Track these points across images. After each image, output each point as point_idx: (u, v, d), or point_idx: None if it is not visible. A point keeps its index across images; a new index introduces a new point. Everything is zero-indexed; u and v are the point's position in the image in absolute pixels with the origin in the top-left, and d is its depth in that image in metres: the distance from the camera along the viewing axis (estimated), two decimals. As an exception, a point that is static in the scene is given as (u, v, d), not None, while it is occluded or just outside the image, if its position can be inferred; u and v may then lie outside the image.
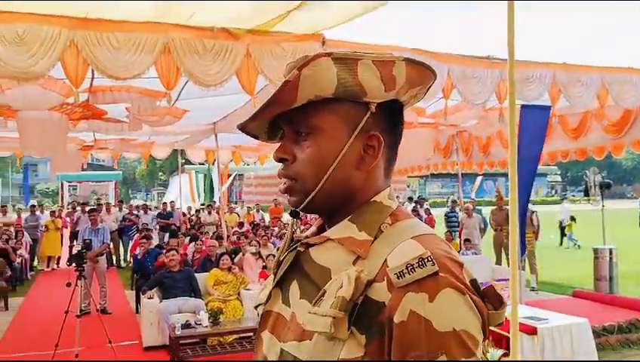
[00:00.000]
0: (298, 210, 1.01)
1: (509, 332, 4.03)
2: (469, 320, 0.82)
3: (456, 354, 0.79)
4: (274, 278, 1.02)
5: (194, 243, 10.64)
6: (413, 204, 17.67)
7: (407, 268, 0.82)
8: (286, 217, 18.02)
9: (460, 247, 11.26)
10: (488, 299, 0.87)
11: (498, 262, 10.96)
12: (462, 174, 13.34)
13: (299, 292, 0.96)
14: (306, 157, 0.96)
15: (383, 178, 1.01)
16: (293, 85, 0.91)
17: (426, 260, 0.82)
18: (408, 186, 30.20)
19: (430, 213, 15.32)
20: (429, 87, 1.03)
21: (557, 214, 19.64)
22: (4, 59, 5.07)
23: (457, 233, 13.55)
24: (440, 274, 0.81)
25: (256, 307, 1.09)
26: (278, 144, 1.03)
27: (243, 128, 1.03)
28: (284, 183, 1.00)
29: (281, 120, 0.99)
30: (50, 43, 5.16)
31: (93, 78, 6.52)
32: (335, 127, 0.95)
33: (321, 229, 1.04)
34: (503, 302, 0.88)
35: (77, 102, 6.01)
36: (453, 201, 15.28)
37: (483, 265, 9.23)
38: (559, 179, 63.11)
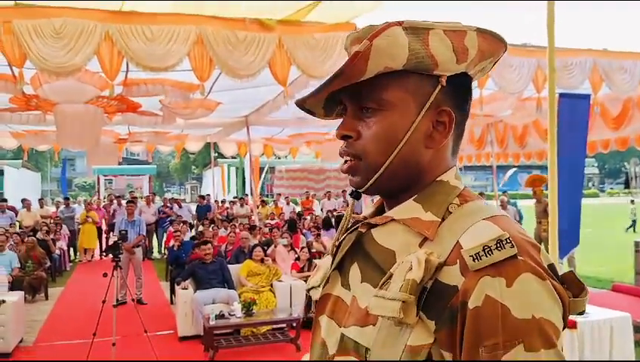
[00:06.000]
0: (361, 190, 0.95)
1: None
2: (550, 308, 0.76)
3: (535, 344, 0.73)
4: (332, 261, 0.98)
5: (224, 230, 10.76)
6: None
7: (483, 249, 0.77)
8: (317, 208, 18.05)
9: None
10: (568, 285, 0.81)
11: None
12: (497, 166, 13.09)
13: (360, 275, 0.91)
14: (373, 134, 0.90)
15: (449, 156, 0.95)
16: (363, 56, 0.84)
17: (504, 242, 0.77)
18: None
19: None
20: (499, 59, 0.97)
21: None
22: (42, 54, 5.17)
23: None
24: (519, 257, 0.76)
25: (307, 290, 1.05)
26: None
27: (301, 104, 0.98)
28: (346, 162, 0.94)
29: (343, 95, 0.93)
30: (86, 36, 5.25)
31: (127, 72, 6.60)
32: (404, 102, 0.89)
33: (380, 210, 0.99)
34: (585, 288, 0.83)
35: (112, 95, 6.09)
36: (481, 194, 15.05)
37: (519, 258, 9.04)
38: (596, 171, 61.60)
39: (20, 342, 6.91)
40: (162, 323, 7.61)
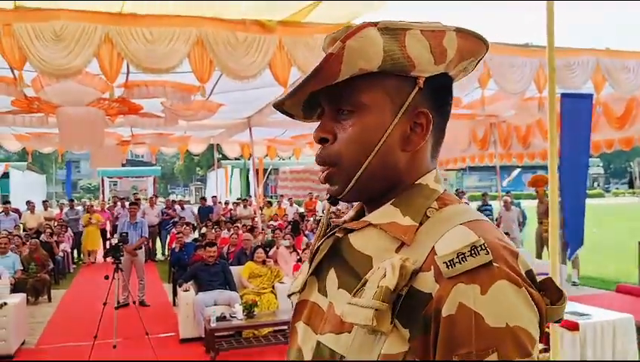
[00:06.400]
0: (339, 198, 0.93)
1: (548, 328, 3.91)
2: (525, 316, 0.74)
3: (509, 353, 0.71)
4: (309, 266, 0.96)
5: (227, 231, 10.78)
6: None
7: (457, 256, 0.75)
8: (321, 209, 18.04)
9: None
10: (546, 292, 0.79)
11: (539, 255, 10.70)
12: (500, 167, 13.02)
13: (337, 281, 0.89)
14: (348, 137, 0.88)
15: (429, 159, 0.93)
16: (337, 58, 0.83)
17: (479, 248, 0.75)
18: (445, 180, 29.72)
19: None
20: (481, 59, 0.96)
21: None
22: (42, 57, 5.17)
23: (492, 226, 13.27)
24: (494, 264, 0.74)
25: (289, 296, 1.03)
26: (313, 135, 0.95)
27: (279, 106, 0.96)
28: (324, 171, 0.93)
29: (321, 96, 0.92)
30: (86, 39, 5.24)
31: (128, 74, 6.60)
32: (380, 104, 0.87)
33: (359, 214, 0.98)
34: (563, 295, 0.80)
35: (112, 97, 6.10)
36: (484, 194, 15.06)
37: (522, 258, 9.00)
38: (602, 171, 61.31)
39: (23, 344, 6.94)
40: (164, 325, 7.62)
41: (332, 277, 0.90)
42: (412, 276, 0.78)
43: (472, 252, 0.74)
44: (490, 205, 14.27)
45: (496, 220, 12.96)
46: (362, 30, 0.83)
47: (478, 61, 0.96)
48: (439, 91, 0.91)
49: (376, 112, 0.88)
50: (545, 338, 4.63)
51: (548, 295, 0.79)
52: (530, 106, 8.45)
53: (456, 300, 0.73)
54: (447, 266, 0.75)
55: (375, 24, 0.84)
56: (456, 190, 20.32)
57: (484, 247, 0.75)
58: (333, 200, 0.96)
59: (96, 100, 7.33)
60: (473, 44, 0.90)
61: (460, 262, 0.74)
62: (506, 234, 10.28)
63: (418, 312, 0.76)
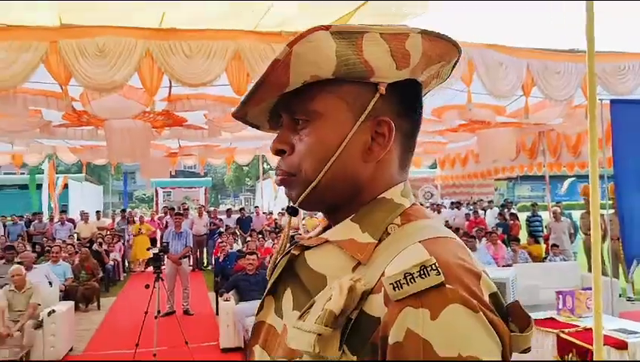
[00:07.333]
0: (295, 205, 0.89)
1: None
2: (482, 344, 0.66)
3: None
4: (268, 284, 0.91)
5: (271, 241, 10.86)
6: (499, 209, 16.87)
7: (405, 277, 0.68)
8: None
9: (547, 252, 10.65)
10: (513, 318, 0.73)
11: (590, 268, 10.26)
12: (552, 176, 12.59)
13: (292, 301, 0.83)
14: (305, 148, 0.84)
15: (396, 171, 0.87)
16: (284, 65, 0.79)
17: (429, 268, 0.67)
18: (496, 189, 29.03)
19: (516, 218, 14.47)
20: (455, 63, 0.90)
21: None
22: (87, 73, 5.36)
23: (541, 238, 12.85)
24: (447, 285, 0.67)
25: (256, 315, 0.97)
26: (270, 147, 0.91)
27: (240, 117, 0.92)
28: (279, 175, 0.89)
29: (278, 106, 0.88)
30: (128, 54, 5.40)
31: (171, 87, 6.76)
32: (338, 113, 0.82)
33: (326, 230, 0.92)
34: (531, 322, 0.74)
35: (153, 110, 6.25)
36: (534, 205, 14.57)
37: (572, 271, 8.66)
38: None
39: (70, 350, 7.15)
40: (207, 334, 7.71)
41: (288, 298, 0.85)
42: (362, 298, 0.72)
43: (421, 272, 0.67)
44: (540, 216, 13.79)
45: (546, 231, 12.53)
46: (311, 34, 0.78)
47: (454, 65, 0.91)
48: (407, 98, 0.86)
49: (333, 121, 0.83)
50: (590, 355, 4.41)
51: (515, 321, 0.73)
52: (579, 114, 8.16)
53: (404, 326, 0.67)
54: (394, 288, 0.68)
55: (327, 27, 0.79)
56: (505, 200, 19.79)
57: (434, 267, 0.68)
58: (292, 211, 0.91)
59: (141, 113, 7.54)
60: (441, 47, 0.85)
61: (408, 284, 0.67)
62: (555, 246, 9.93)
63: (365, 338, 0.71)
